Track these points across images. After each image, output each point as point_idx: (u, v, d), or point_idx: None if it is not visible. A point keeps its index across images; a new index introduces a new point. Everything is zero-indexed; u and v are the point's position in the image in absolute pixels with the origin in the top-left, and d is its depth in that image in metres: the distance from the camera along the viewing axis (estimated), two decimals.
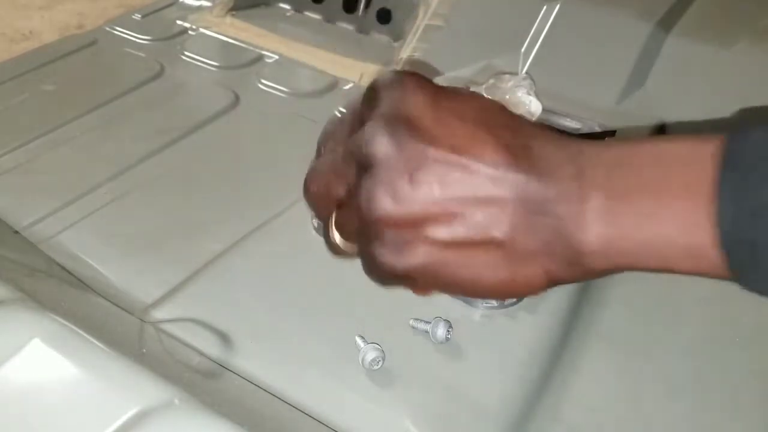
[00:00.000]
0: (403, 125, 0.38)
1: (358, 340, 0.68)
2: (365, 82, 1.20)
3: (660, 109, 1.05)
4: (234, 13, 1.42)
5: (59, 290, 0.74)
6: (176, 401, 0.55)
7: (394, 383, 0.66)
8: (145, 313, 0.74)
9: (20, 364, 0.57)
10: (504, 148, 0.37)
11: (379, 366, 0.67)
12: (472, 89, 0.87)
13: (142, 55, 1.27)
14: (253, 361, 0.68)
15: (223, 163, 1.00)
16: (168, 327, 0.72)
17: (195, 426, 0.54)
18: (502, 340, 0.71)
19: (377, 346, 0.67)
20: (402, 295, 0.76)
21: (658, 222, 0.36)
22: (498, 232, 0.37)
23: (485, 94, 0.85)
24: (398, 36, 1.35)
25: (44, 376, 0.57)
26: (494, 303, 0.73)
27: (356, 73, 1.23)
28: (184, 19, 1.38)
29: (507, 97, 0.86)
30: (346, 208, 0.42)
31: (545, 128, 0.40)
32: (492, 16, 1.19)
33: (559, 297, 0.76)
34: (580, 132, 0.97)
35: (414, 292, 0.43)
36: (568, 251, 0.38)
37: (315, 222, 0.82)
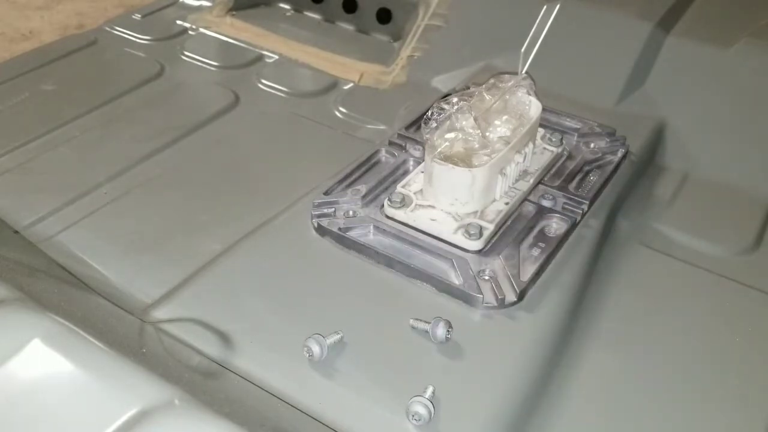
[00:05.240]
0: None
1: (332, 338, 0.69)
2: (365, 82, 1.21)
3: (660, 109, 1.05)
4: (234, 13, 1.42)
5: (59, 290, 0.74)
6: (176, 401, 0.55)
7: (394, 383, 0.66)
8: (145, 313, 0.74)
9: (20, 364, 0.57)
10: None
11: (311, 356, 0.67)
12: (471, 89, 0.87)
13: (142, 55, 1.27)
14: (253, 361, 0.68)
15: (223, 163, 1.00)
16: (168, 327, 0.72)
17: (195, 426, 0.54)
18: (502, 340, 0.71)
19: (322, 338, 0.67)
20: (402, 295, 0.77)
21: None
22: None
23: (485, 94, 0.85)
24: (398, 36, 1.35)
25: (44, 376, 0.57)
26: (494, 303, 0.73)
27: (356, 73, 1.23)
28: (184, 19, 1.38)
29: (507, 97, 0.85)
30: None
31: None
32: (492, 16, 1.19)
33: (559, 297, 0.76)
34: (580, 132, 0.97)
35: None
36: None
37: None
